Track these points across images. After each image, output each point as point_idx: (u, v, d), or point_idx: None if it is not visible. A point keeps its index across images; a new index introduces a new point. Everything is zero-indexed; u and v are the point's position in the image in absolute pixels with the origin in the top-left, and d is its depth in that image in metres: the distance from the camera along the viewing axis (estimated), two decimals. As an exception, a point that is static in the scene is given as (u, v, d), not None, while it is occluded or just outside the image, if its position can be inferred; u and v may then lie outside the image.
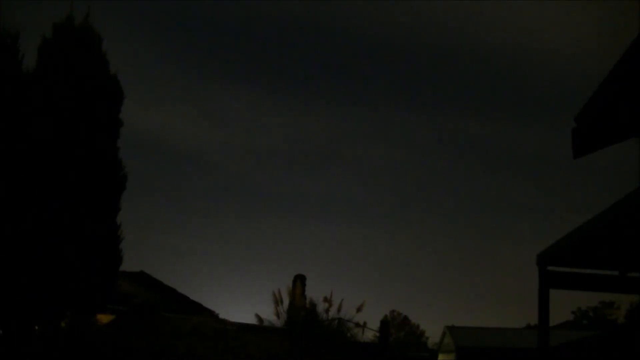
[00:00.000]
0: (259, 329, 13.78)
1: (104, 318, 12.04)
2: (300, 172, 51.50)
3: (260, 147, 48.59)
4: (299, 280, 14.89)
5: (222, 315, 14.77)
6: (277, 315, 14.54)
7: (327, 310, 14.60)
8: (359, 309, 14.68)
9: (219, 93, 44.44)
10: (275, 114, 46.35)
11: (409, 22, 40.47)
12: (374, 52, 44.09)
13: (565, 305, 43.11)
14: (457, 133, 48.01)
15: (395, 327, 51.39)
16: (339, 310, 14.65)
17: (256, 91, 45.47)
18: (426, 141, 50.92)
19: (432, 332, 51.49)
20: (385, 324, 15.77)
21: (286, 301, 14.58)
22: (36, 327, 10.59)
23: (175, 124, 42.49)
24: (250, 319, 14.61)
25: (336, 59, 44.85)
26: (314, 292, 14.96)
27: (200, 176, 47.90)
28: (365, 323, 15.08)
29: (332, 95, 48.45)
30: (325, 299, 14.58)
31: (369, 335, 16.15)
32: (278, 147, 48.79)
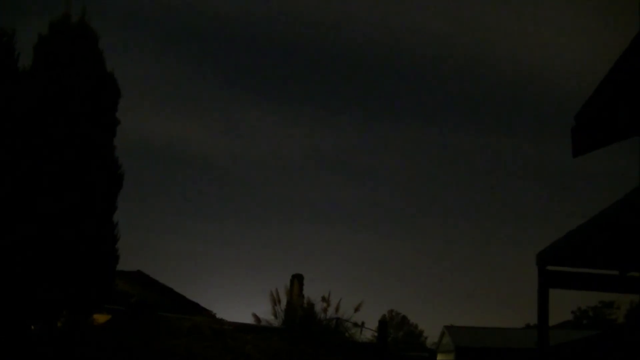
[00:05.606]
0: (256, 329, 13.72)
1: (101, 318, 11.97)
2: (300, 176, 51.65)
3: (260, 153, 48.85)
4: (297, 280, 14.85)
5: (219, 315, 14.67)
6: (275, 315, 14.51)
7: (325, 310, 14.56)
8: (357, 309, 14.64)
9: (222, 98, 44.67)
10: (273, 122, 46.75)
11: (414, 40, 41.01)
12: (380, 70, 44.88)
13: (565, 305, 43.20)
14: (456, 139, 48.25)
15: (394, 326, 51.40)
16: (337, 309, 14.61)
17: (261, 102, 45.92)
18: (425, 147, 51.16)
19: (431, 332, 51.58)
20: (383, 323, 15.69)
21: (284, 301, 14.54)
22: (32, 327, 10.53)
23: (182, 129, 42.84)
24: (248, 319, 14.58)
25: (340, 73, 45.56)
26: (312, 291, 14.94)
27: (200, 179, 48.14)
28: (363, 323, 15.04)
29: (334, 108, 49.05)
30: (323, 299, 14.53)
31: (367, 335, 16.09)
32: (278, 154, 49.04)
